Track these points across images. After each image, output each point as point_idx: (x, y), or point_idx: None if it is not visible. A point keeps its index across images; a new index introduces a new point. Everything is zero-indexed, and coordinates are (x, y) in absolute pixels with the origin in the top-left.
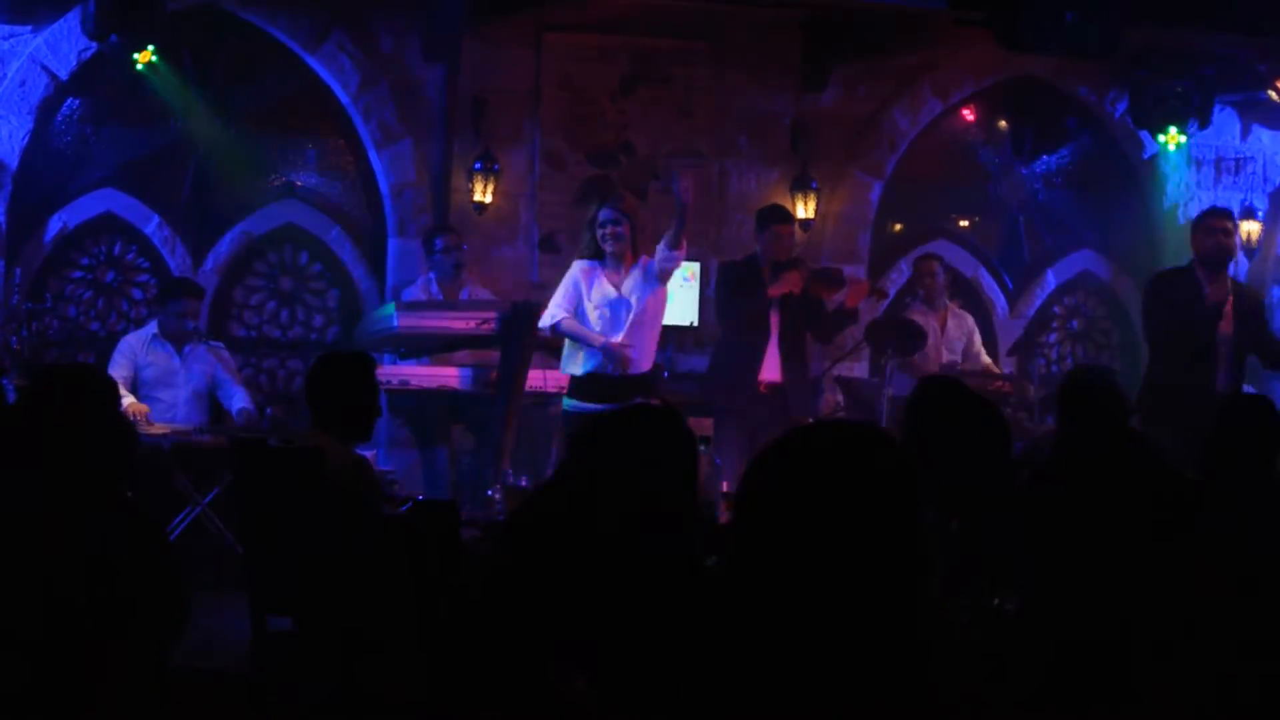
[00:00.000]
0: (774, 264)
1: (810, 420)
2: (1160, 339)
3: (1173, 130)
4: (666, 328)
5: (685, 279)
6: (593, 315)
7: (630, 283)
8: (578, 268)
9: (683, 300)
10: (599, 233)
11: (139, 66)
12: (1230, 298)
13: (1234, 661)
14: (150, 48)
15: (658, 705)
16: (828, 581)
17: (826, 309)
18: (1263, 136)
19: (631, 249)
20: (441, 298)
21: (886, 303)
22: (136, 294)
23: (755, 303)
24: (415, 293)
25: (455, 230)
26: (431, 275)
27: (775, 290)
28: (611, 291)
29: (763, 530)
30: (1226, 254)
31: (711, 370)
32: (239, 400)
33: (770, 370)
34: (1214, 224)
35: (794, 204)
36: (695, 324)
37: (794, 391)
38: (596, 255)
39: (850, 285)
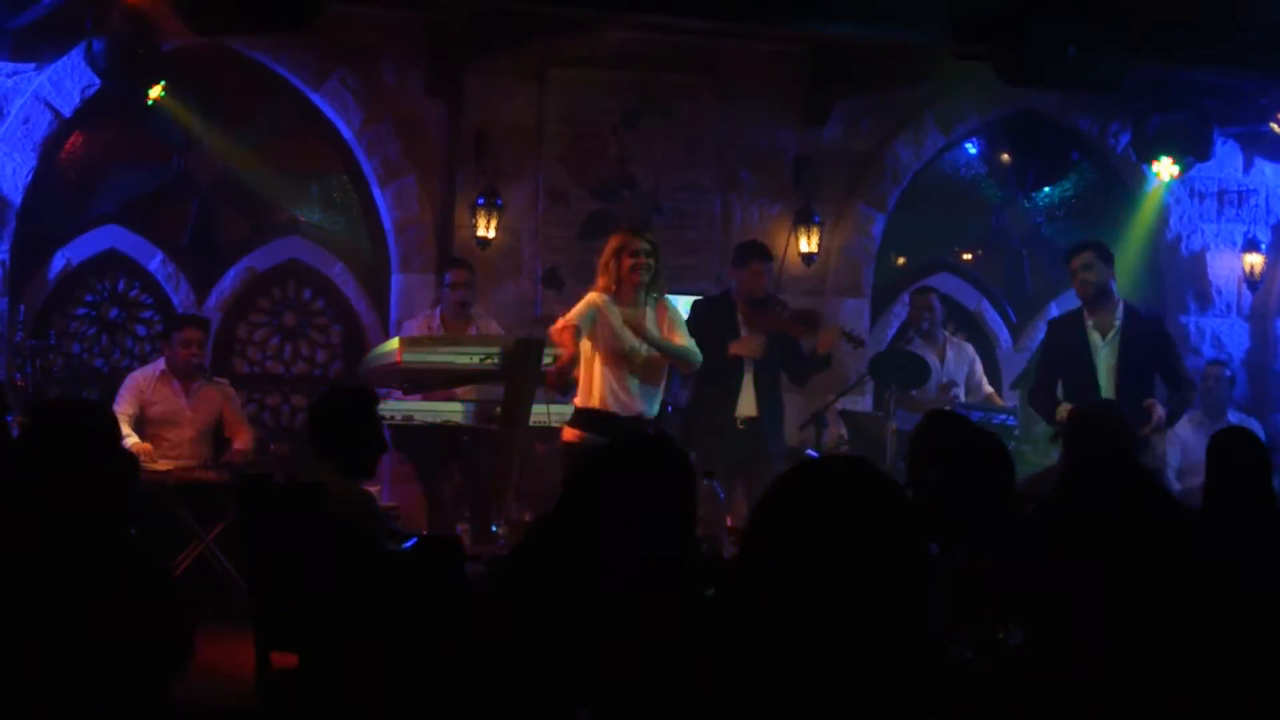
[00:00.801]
0: (749, 300)
1: (808, 454)
2: (1046, 380)
3: (1166, 161)
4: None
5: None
6: None
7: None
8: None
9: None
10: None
11: (150, 102)
12: (1117, 328)
13: (1236, 693)
14: (161, 83)
15: None
16: (830, 619)
17: (802, 350)
18: (1265, 169)
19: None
20: (442, 330)
21: (890, 337)
22: (140, 330)
23: (727, 341)
24: (416, 326)
25: (466, 264)
26: (438, 309)
27: (737, 349)
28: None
29: (767, 570)
30: (1087, 290)
31: (690, 405)
32: (241, 440)
33: (747, 406)
34: (1072, 266)
35: (797, 238)
36: None
37: (770, 427)
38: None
39: (822, 332)
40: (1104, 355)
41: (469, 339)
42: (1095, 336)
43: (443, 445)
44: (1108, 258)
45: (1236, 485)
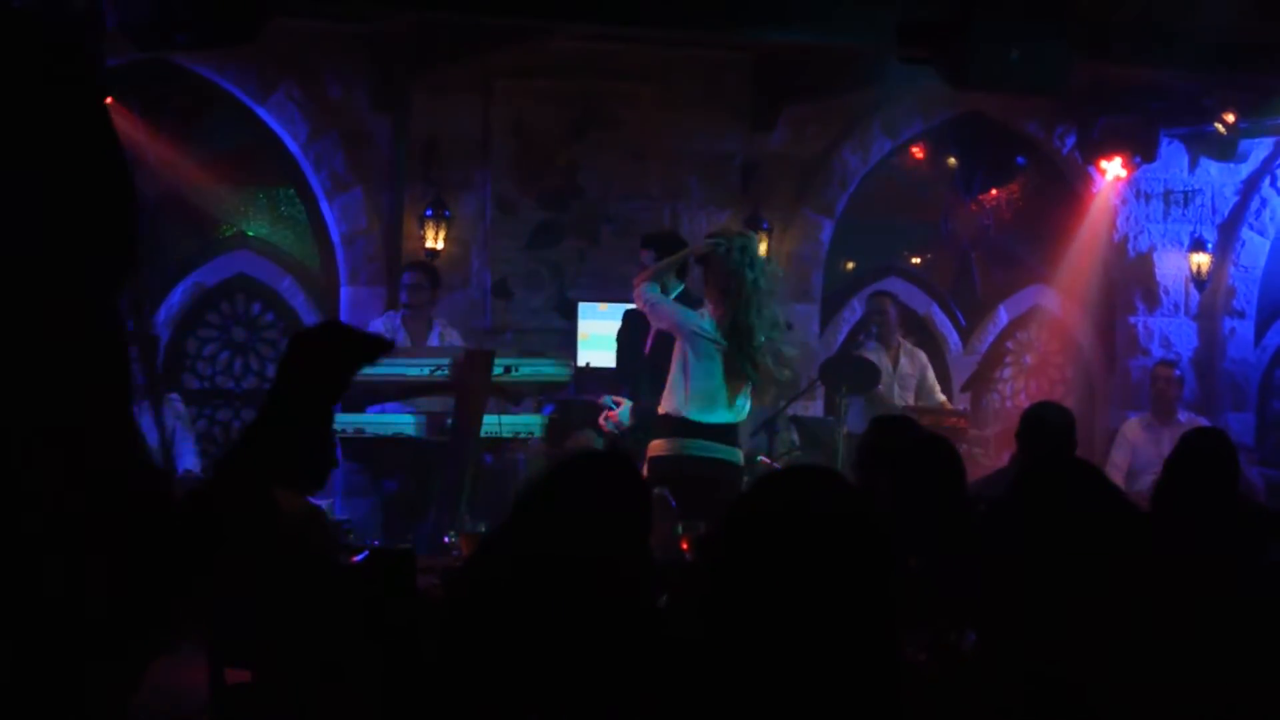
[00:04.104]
0: None
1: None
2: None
3: (1115, 163)
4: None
5: None
6: None
7: None
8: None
9: None
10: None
11: None
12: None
13: (1190, 690)
14: (107, 98)
15: None
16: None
17: None
18: (1210, 169)
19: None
20: (404, 333)
21: (840, 341)
22: None
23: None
24: (378, 326)
25: (423, 268)
26: (400, 313)
27: None
28: None
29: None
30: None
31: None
32: (187, 459)
33: None
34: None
35: None
36: None
37: None
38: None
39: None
40: None
41: (419, 350)
42: None
43: (394, 458)
44: None
45: (1203, 484)
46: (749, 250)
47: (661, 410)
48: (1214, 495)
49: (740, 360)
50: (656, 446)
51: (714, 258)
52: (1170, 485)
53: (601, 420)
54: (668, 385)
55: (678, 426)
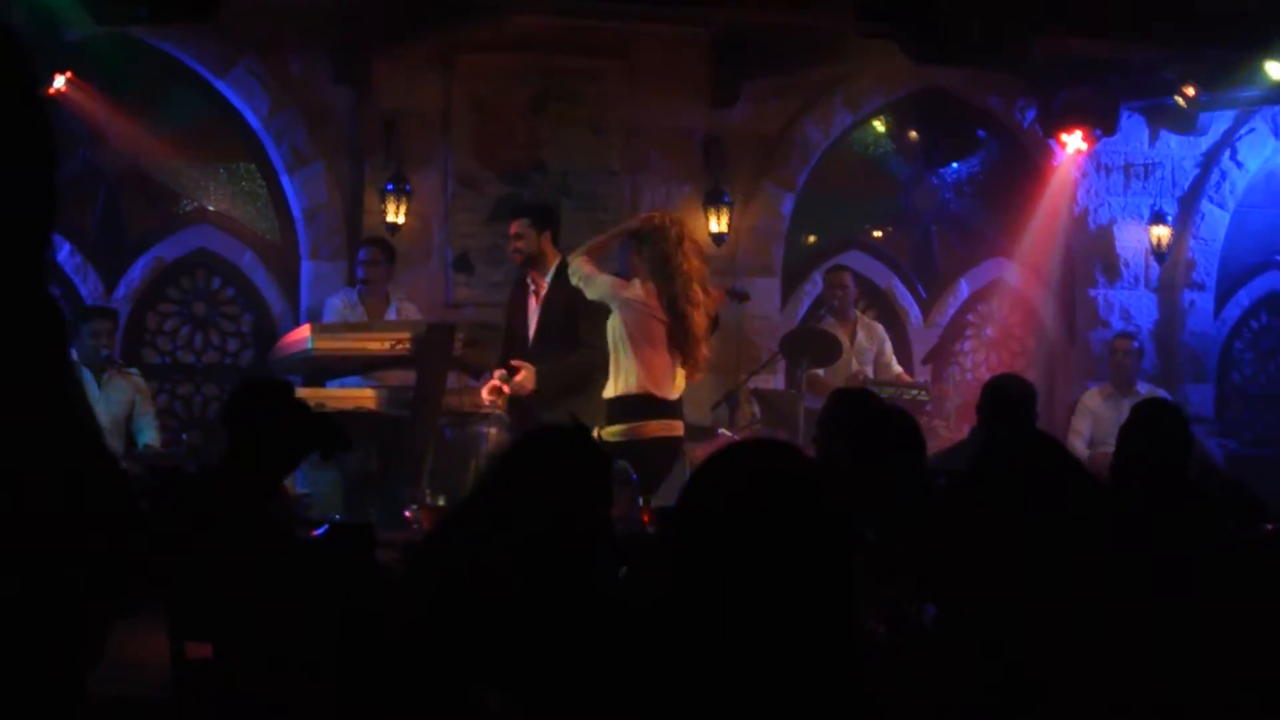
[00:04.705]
0: None
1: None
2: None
3: (1076, 136)
4: None
5: None
6: None
7: None
8: None
9: None
10: None
11: (53, 93)
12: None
13: (1148, 664)
14: (67, 73)
15: None
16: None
17: None
18: (1170, 142)
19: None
20: (361, 308)
21: (801, 315)
22: None
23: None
24: (335, 303)
25: (378, 243)
26: (357, 288)
27: None
28: None
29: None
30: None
31: None
32: (146, 434)
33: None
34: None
35: (707, 218)
36: None
37: None
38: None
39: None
40: None
41: (380, 324)
42: None
43: (355, 432)
44: None
45: (1154, 457)
46: (684, 235)
47: (616, 393)
48: (1167, 465)
49: (679, 335)
50: (615, 432)
51: (652, 234)
52: (1123, 457)
53: (488, 392)
54: (614, 366)
55: (637, 405)
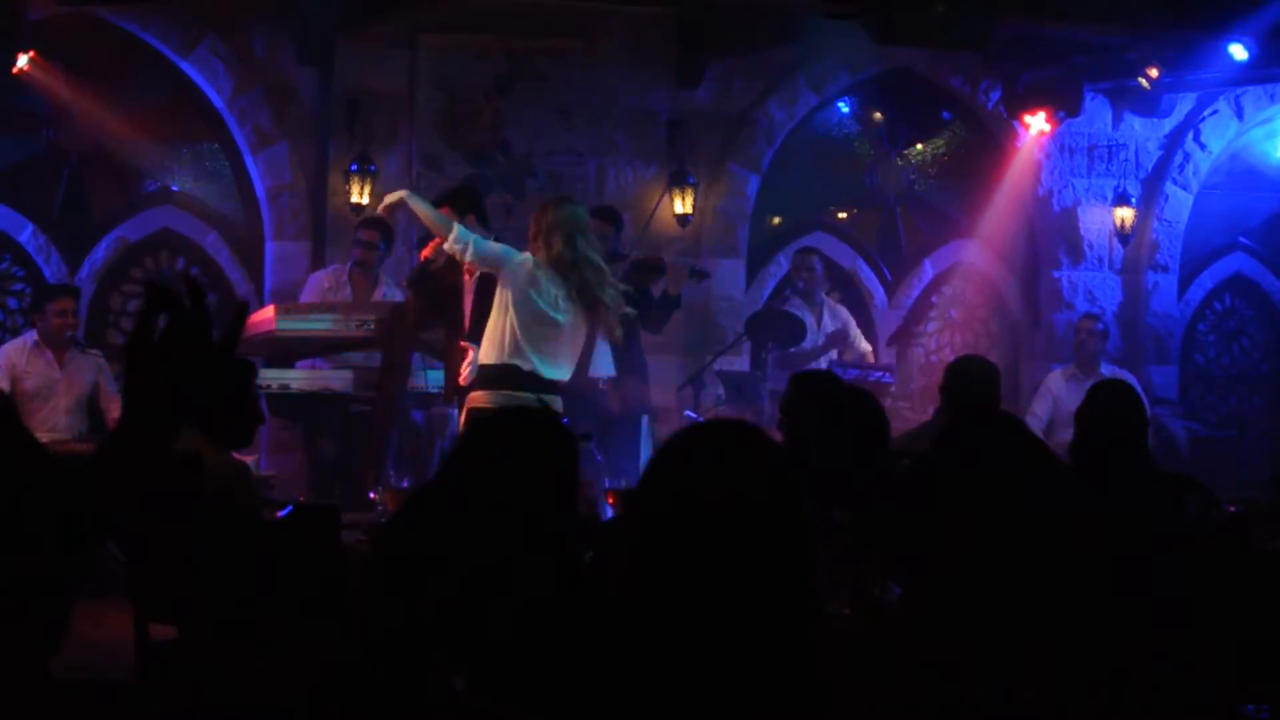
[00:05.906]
0: None
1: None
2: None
3: (1040, 117)
4: None
5: None
6: None
7: None
8: None
9: None
10: None
11: (16, 73)
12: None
13: (1110, 644)
14: (30, 52)
15: (537, 705)
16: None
17: (652, 298)
18: (1134, 123)
19: None
20: (349, 287)
21: (766, 296)
22: (12, 304)
23: None
24: (321, 278)
25: (377, 225)
26: (348, 265)
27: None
28: None
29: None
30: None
31: None
32: (116, 412)
33: (604, 365)
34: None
35: (672, 199)
36: None
37: (629, 384)
38: None
39: (670, 271)
40: None
41: (343, 305)
42: None
43: (320, 413)
44: None
45: (1110, 439)
46: (580, 216)
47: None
48: (1123, 446)
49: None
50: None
51: (548, 205)
52: (1081, 439)
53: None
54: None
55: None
